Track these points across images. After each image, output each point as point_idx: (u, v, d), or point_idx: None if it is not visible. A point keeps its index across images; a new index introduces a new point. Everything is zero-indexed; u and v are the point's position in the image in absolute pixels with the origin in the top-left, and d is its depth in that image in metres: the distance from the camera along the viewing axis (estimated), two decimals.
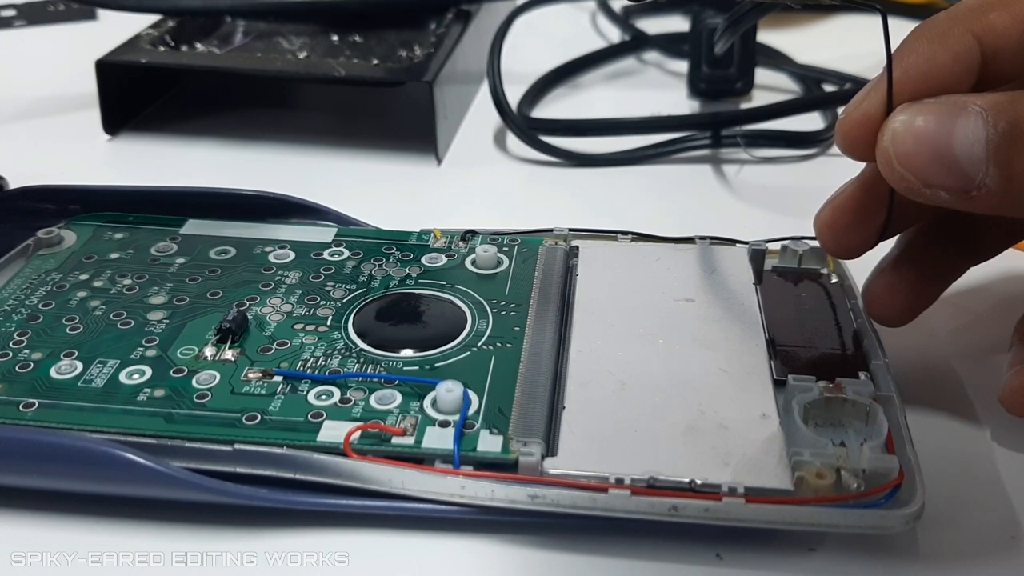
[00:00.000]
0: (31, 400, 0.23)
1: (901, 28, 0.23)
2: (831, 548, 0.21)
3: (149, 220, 0.31)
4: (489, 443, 0.22)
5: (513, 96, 0.40)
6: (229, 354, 0.25)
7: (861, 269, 0.27)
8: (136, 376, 0.24)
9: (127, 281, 0.28)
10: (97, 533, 0.22)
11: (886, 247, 0.26)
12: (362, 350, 0.25)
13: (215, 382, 0.24)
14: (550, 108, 0.43)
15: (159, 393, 0.23)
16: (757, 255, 0.29)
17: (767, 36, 0.47)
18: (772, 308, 0.27)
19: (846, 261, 0.28)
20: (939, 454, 0.24)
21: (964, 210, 0.22)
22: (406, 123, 0.41)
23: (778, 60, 0.47)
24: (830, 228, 0.25)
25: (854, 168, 0.24)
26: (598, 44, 0.49)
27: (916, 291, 0.26)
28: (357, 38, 0.43)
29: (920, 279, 0.26)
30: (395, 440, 0.22)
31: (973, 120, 0.21)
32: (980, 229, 0.26)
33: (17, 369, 0.24)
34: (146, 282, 0.28)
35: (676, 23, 0.50)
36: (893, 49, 0.22)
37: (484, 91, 0.42)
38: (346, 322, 0.26)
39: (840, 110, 0.40)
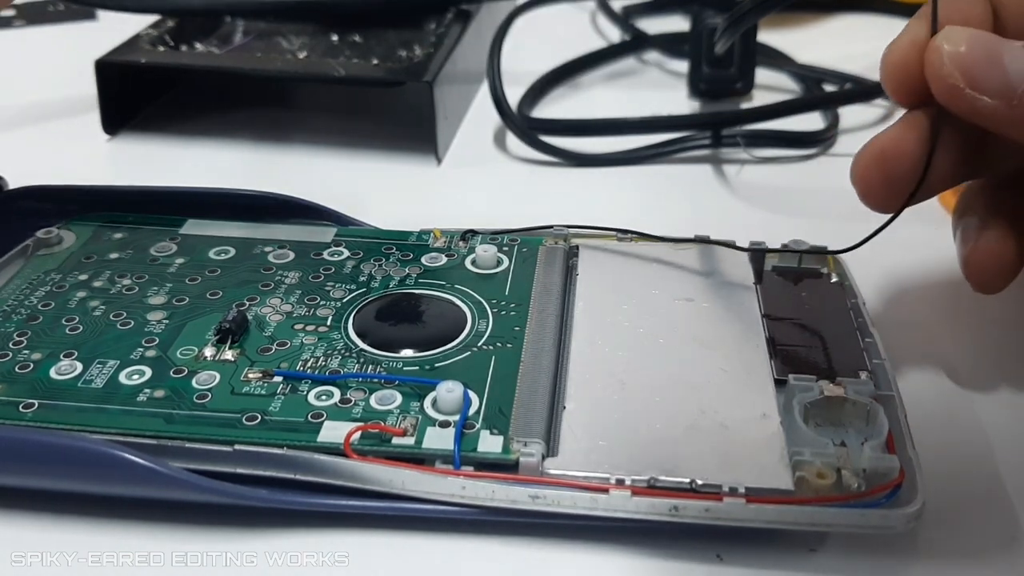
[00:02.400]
0: (31, 400, 0.23)
1: (900, 29, 0.23)
2: (831, 548, 0.21)
3: (149, 220, 0.31)
4: (490, 443, 0.22)
5: (513, 96, 0.40)
6: (229, 354, 0.25)
7: (861, 269, 0.27)
8: (136, 376, 0.24)
9: (127, 281, 0.28)
10: (97, 533, 0.22)
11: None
12: (362, 350, 0.25)
13: (215, 382, 0.24)
14: (550, 108, 0.43)
15: (159, 393, 0.23)
16: (757, 255, 0.28)
17: (767, 36, 0.47)
18: (772, 308, 0.27)
19: (846, 260, 0.28)
20: (939, 454, 0.24)
21: (996, 128, 0.22)
22: (406, 123, 0.41)
23: (778, 60, 0.47)
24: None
25: None
26: (598, 44, 0.49)
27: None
28: (357, 38, 0.43)
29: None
30: (395, 440, 0.22)
31: (1019, 46, 0.22)
32: None
33: (17, 369, 0.24)
34: (146, 282, 0.28)
35: (676, 23, 0.50)
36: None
37: (484, 91, 0.42)
38: (346, 322, 0.26)
39: (840, 110, 0.41)
